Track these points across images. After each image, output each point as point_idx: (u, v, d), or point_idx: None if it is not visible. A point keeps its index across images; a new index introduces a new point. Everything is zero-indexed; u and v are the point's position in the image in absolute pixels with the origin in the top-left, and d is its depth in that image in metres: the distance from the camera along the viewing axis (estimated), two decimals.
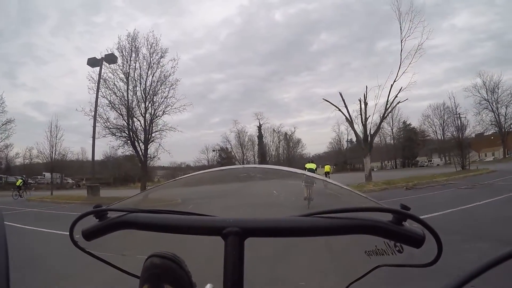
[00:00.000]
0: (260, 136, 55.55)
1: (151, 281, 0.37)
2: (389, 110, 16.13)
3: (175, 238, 0.45)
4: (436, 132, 49.83)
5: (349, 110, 16.76)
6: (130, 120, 14.99)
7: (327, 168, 17.65)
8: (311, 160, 14.58)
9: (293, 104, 79.12)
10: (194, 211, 0.47)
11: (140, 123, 15.27)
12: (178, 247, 0.46)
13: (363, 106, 16.71)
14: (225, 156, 52.84)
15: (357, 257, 0.47)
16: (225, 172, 0.76)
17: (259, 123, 55.32)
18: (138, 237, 0.50)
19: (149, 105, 15.20)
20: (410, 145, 52.49)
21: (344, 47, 73.87)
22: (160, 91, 15.43)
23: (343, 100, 16.69)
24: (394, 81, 15.55)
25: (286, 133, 57.22)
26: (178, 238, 0.45)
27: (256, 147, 55.44)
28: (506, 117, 32.89)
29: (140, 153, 15.29)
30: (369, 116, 16.58)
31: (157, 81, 15.41)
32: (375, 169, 50.10)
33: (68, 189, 24.86)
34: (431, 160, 50.99)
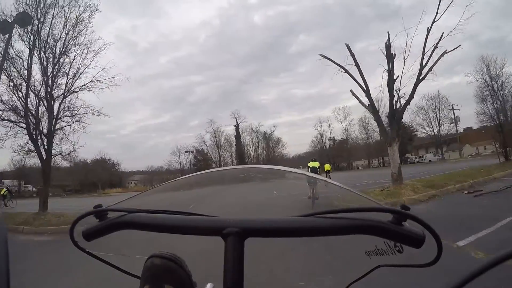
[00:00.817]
0: (238, 136, 51.23)
1: (152, 281, 0.38)
2: (432, 64, 9.32)
3: (175, 238, 0.45)
4: (432, 125, 47.92)
5: (362, 71, 9.84)
6: (30, 97, 9.50)
7: (327, 167, 17.64)
8: (314, 159, 14.60)
9: (272, 105, 77.88)
10: (194, 212, 0.47)
11: (43, 103, 9.79)
12: (178, 247, 0.47)
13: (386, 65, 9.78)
14: (200, 158, 49.07)
15: (357, 257, 0.47)
16: (225, 173, 0.76)
17: (237, 122, 51.23)
18: (138, 237, 0.50)
19: (53, 74, 9.74)
20: (400, 141, 50.83)
21: (323, 48, 72.49)
22: (70, 53, 9.89)
23: (352, 55, 9.74)
24: (434, 21, 9.35)
25: (265, 132, 53.79)
26: (179, 238, 0.45)
27: (234, 148, 51.65)
28: None
29: (41, 147, 9.72)
30: (397, 77, 9.74)
31: (68, 39, 9.85)
32: (360, 168, 48.22)
33: (27, 198, 22.02)
34: (422, 156, 48.50)
